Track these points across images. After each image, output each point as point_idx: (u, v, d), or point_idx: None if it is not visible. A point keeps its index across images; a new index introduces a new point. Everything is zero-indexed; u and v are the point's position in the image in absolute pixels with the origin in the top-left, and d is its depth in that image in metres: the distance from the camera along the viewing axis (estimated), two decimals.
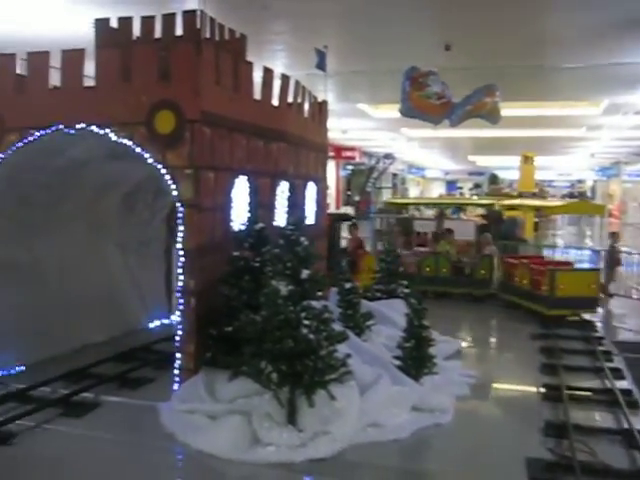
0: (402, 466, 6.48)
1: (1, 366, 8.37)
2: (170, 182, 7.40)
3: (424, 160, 54.26)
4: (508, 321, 12.82)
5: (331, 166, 37.49)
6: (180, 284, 7.46)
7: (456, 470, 6.16)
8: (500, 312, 13.44)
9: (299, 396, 6.33)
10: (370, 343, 8.62)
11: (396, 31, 12.81)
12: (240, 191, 8.22)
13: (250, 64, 8.56)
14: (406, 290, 10.53)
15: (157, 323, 11.38)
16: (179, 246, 7.45)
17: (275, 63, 12.67)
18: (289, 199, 9.59)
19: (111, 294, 10.38)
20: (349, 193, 44.91)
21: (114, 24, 8.93)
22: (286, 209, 9.47)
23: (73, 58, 7.79)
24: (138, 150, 7.51)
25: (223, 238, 7.78)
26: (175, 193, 7.40)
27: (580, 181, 68.05)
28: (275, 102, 9.29)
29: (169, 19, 8.82)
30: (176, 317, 10.80)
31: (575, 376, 8.71)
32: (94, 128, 7.67)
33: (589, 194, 60.35)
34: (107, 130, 7.61)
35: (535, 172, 30.06)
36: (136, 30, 8.93)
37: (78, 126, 7.72)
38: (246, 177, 8.34)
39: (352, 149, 40.56)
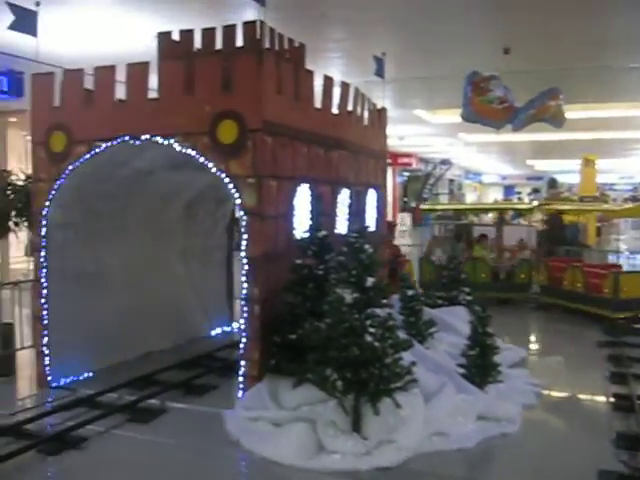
0: (468, 476, 6.37)
1: (70, 373, 8.59)
2: (233, 191, 7.47)
3: (481, 165, 53.55)
4: (565, 325, 12.71)
5: (388, 173, 37.36)
6: (244, 292, 7.50)
7: None
8: (552, 317, 13.41)
9: (364, 404, 6.30)
10: (433, 351, 8.53)
11: (454, 36, 12.72)
12: (302, 199, 8.24)
13: (310, 72, 8.60)
14: (468, 297, 10.41)
15: (218, 331, 11.51)
16: (243, 254, 7.50)
17: (331, 70, 12.69)
18: (350, 206, 9.65)
19: (174, 302, 10.54)
20: (405, 199, 44.69)
21: (176, 37, 9.09)
22: (347, 216, 9.54)
23: (138, 71, 7.95)
24: (201, 160, 7.62)
25: (286, 246, 7.81)
26: (238, 202, 7.46)
27: None
28: (335, 110, 9.31)
29: (229, 30, 8.92)
30: (237, 325, 10.96)
31: None
32: (158, 139, 7.81)
33: None
34: (171, 140, 7.74)
35: (596, 175, 29.36)
36: (197, 42, 9.07)
37: (143, 137, 7.87)
38: (307, 185, 8.37)
39: (409, 155, 40.34)
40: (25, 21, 8.07)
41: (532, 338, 12.28)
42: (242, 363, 7.54)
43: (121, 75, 8.04)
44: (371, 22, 11.85)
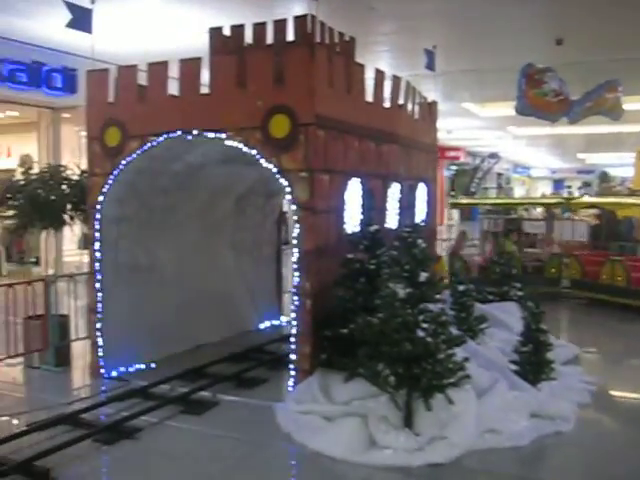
0: (522, 475, 6.23)
1: (122, 364, 8.75)
2: (285, 185, 7.49)
3: (530, 159, 52.72)
4: (612, 321, 12.57)
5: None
6: (295, 286, 7.52)
7: None
8: (592, 311, 13.39)
9: (416, 399, 6.27)
10: (484, 347, 8.44)
11: (504, 27, 12.56)
12: (353, 193, 8.23)
13: (361, 66, 8.56)
14: (520, 293, 10.26)
15: (267, 324, 11.57)
16: (294, 248, 7.51)
17: (380, 64, 12.63)
18: (400, 201, 9.59)
19: (225, 295, 10.64)
20: (453, 193, 44.25)
21: (227, 32, 9.14)
22: (397, 211, 9.49)
23: (190, 67, 8.02)
24: (253, 154, 7.65)
25: (337, 240, 7.81)
26: (290, 196, 7.49)
27: None
28: (386, 103, 9.25)
29: (280, 25, 8.91)
30: (286, 318, 11.01)
31: None
32: (210, 134, 7.88)
33: None
34: (223, 135, 7.79)
35: None
36: (248, 37, 9.11)
37: (195, 132, 7.95)
38: (359, 179, 8.35)
39: (456, 149, 39.90)
40: (81, 19, 8.22)
41: (581, 334, 12.03)
42: (293, 357, 7.57)
43: (173, 71, 8.12)
44: (420, 15, 11.78)
